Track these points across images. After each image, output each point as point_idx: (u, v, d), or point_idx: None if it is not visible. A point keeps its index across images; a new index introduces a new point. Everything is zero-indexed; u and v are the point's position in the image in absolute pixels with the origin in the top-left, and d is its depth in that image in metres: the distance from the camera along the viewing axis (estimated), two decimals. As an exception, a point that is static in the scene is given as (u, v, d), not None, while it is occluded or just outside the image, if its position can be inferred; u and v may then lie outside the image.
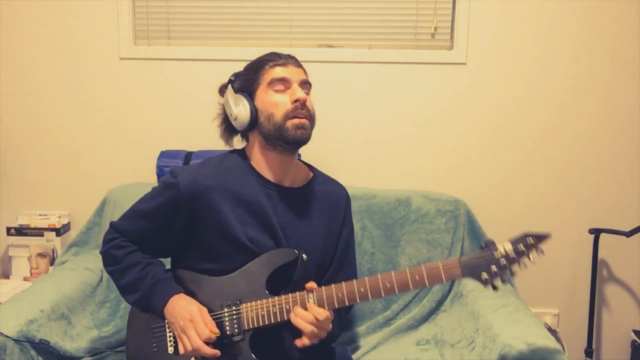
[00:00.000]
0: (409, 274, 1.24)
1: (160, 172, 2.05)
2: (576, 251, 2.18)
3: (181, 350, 1.26)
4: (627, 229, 2.03)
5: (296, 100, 1.33)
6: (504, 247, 1.21)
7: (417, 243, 1.98)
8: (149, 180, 2.12)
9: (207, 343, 1.24)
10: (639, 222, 2.12)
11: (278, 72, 1.35)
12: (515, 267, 1.21)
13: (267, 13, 2.14)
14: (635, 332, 2.15)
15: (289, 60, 1.39)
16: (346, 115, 2.16)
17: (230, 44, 2.16)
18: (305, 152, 1.72)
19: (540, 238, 1.21)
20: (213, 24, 2.17)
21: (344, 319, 1.63)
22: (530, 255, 1.21)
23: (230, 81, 1.44)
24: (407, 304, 1.95)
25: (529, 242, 1.21)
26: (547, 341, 1.41)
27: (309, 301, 1.27)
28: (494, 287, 1.22)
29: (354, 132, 2.16)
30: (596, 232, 2.09)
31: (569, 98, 2.12)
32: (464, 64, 2.11)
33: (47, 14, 2.14)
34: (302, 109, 1.34)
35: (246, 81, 1.39)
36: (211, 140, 2.12)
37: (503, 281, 1.22)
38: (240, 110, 1.36)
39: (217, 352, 1.25)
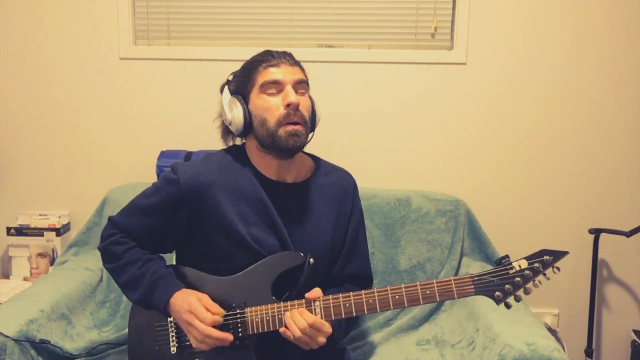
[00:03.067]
0: (419, 288, 1.20)
1: (160, 172, 2.05)
2: (576, 251, 2.18)
3: (194, 344, 1.24)
4: (627, 229, 2.03)
5: (288, 105, 1.28)
6: (520, 264, 1.17)
7: (417, 243, 1.98)
8: (149, 180, 2.10)
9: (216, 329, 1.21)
10: (639, 222, 2.12)
11: (270, 73, 1.30)
12: (529, 286, 1.17)
13: (267, 13, 2.14)
14: (635, 332, 2.15)
15: (283, 59, 1.33)
16: (346, 116, 2.16)
17: (230, 44, 2.16)
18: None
19: (557, 255, 1.17)
20: (213, 24, 2.17)
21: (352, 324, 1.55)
22: (546, 273, 1.17)
23: (227, 81, 1.40)
24: (407, 304, 1.95)
25: (546, 260, 1.17)
26: (547, 341, 1.41)
27: (315, 309, 1.24)
28: (507, 306, 1.19)
29: (353, 132, 2.16)
30: (596, 232, 2.09)
31: (569, 98, 2.11)
32: (464, 64, 2.11)
33: (47, 14, 2.14)
34: (294, 114, 1.29)
35: (240, 83, 1.35)
36: (211, 140, 2.12)
37: (517, 300, 1.18)
38: (234, 115, 1.33)
39: (228, 335, 1.21)
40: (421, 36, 2.14)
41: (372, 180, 2.11)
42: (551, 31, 2.08)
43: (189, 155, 2.06)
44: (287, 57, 1.34)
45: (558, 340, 2.12)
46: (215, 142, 2.11)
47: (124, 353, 1.65)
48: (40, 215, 2.19)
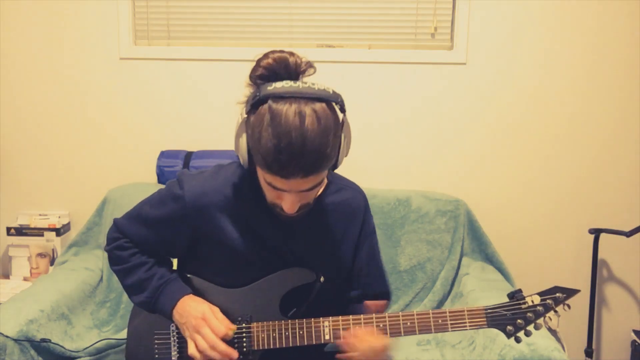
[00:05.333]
0: (432, 316, 1.20)
1: (160, 172, 2.05)
2: (576, 251, 2.18)
3: (191, 351, 1.20)
4: (627, 229, 2.03)
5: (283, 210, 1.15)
6: (533, 299, 1.19)
7: (417, 243, 1.98)
8: (149, 180, 2.12)
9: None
10: (639, 222, 2.12)
11: (275, 181, 1.08)
12: (540, 321, 1.19)
13: (267, 13, 2.14)
14: (635, 332, 2.15)
15: (297, 172, 1.05)
16: (346, 116, 2.15)
17: (230, 44, 2.16)
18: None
19: (570, 293, 1.19)
20: (213, 24, 2.17)
21: None
22: (557, 310, 1.19)
23: (256, 98, 1.09)
24: (408, 304, 1.95)
25: (558, 297, 1.19)
26: (547, 341, 1.41)
27: (324, 329, 1.22)
28: (517, 340, 1.19)
29: (353, 133, 2.14)
30: (596, 232, 2.09)
31: (569, 98, 2.12)
32: (464, 64, 2.11)
33: (47, 14, 2.14)
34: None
35: (249, 137, 1.10)
36: (211, 140, 2.13)
37: (527, 335, 1.19)
38: (240, 148, 1.14)
39: (234, 351, 1.18)
40: (421, 36, 2.14)
41: (372, 180, 2.11)
42: (551, 31, 2.08)
43: (189, 155, 2.06)
44: (302, 173, 1.05)
45: (558, 340, 2.12)
46: (215, 142, 2.13)
47: (124, 353, 1.65)
48: (40, 215, 2.19)
